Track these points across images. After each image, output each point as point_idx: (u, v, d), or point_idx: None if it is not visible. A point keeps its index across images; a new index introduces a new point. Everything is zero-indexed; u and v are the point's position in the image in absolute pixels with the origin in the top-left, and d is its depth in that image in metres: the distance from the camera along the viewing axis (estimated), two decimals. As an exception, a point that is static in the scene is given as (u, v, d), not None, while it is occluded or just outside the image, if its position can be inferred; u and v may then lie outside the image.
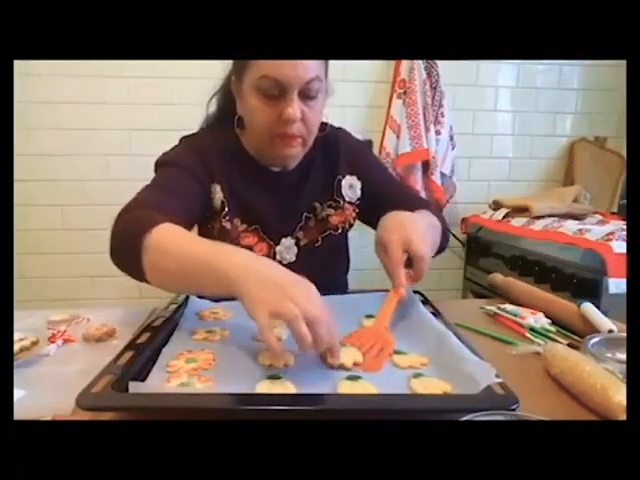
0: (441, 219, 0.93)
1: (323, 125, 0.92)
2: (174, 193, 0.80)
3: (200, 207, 0.86)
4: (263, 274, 0.56)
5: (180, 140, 0.92)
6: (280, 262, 0.92)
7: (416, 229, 0.73)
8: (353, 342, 0.64)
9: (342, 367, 0.57)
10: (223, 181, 0.89)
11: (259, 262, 0.59)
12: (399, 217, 0.76)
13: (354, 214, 0.99)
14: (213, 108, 0.96)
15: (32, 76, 1.79)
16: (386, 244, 0.72)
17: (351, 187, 0.97)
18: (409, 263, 0.73)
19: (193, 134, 0.94)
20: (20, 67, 1.73)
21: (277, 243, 0.93)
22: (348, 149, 0.98)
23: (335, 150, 0.97)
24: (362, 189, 0.97)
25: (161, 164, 0.87)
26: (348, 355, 0.59)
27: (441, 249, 0.93)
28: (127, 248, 0.64)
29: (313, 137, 0.88)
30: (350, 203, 0.97)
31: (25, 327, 0.72)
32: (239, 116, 0.89)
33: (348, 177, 0.97)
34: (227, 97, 0.91)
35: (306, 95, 0.81)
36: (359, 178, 0.97)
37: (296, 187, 0.94)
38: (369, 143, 1.03)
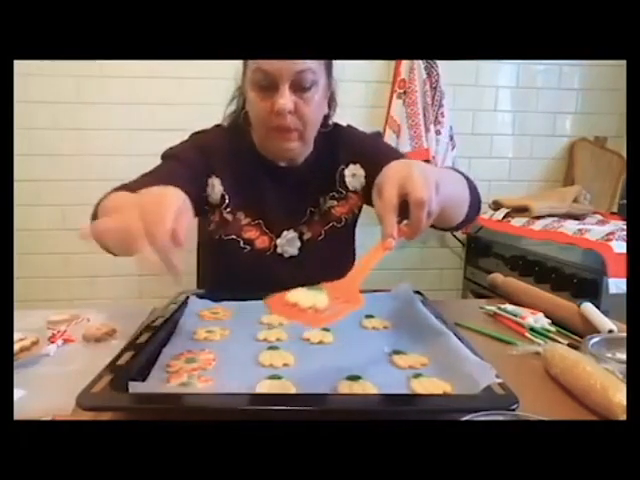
0: (467, 177, 0.83)
1: (326, 121, 0.93)
2: (161, 180, 0.78)
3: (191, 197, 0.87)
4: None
5: (190, 135, 0.96)
6: (282, 255, 0.94)
7: (418, 169, 0.59)
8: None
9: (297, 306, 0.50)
10: (224, 175, 0.91)
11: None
12: (403, 161, 0.65)
13: (359, 203, 0.99)
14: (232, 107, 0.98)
15: (32, 76, 1.79)
16: (381, 185, 0.59)
17: (354, 176, 0.97)
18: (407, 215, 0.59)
19: (203, 130, 0.97)
20: (20, 67, 1.73)
21: (278, 236, 0.94)
22: (351, 139, 0.98)
23: (337, 142, 0.97)
24: (367, 177, 0.96)
25: (163, 157, 0.91)
26: (311, 297, 0.51)
27: (473, 210, 0.82)
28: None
29: (312, 131, 0.88)
30: (354, 192, 0.97)
31: (25, 327, 0.72)
32: (245, 111, 0.91)
33: (351, 166, 0.97)
34: (243, 97, 0.94)
35: (299, 87, 0.81)
36: (362, 166, 0.96)
37: (302, 182, 0.95)
38: (377, 133, 1.04)
